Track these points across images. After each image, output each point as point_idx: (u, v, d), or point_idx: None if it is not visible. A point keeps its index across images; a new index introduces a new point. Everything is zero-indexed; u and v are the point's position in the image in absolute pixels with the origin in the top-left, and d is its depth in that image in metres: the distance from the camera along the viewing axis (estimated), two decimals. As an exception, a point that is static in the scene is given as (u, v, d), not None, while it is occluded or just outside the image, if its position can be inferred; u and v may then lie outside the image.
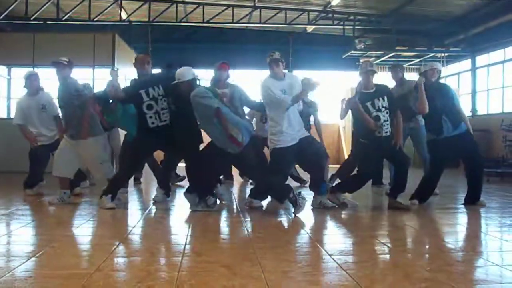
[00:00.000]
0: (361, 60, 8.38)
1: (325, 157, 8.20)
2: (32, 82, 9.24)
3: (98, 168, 8.07)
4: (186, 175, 8.37)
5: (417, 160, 10.29)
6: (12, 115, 16.59)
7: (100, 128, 8.17)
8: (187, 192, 7.64)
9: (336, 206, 7.91)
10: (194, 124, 7.53)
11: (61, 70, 8.04)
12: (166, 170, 8.89)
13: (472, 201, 8.23)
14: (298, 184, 10.95)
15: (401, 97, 8.85)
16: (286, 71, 7.90)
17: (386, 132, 7.83)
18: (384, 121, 7.80)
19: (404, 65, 19.67)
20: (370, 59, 8.26)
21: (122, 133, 10.79)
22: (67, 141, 8.01)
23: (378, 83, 8.11)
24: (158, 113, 7.51)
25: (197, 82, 7.34)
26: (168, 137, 7.56)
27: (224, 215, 7.37)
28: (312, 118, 10.56)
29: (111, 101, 7.67)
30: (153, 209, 7.86)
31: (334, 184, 8.70)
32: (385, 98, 7.85)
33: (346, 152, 19.47)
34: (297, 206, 7.12)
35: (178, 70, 7.39)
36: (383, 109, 7.81)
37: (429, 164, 8.54)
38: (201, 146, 7.78)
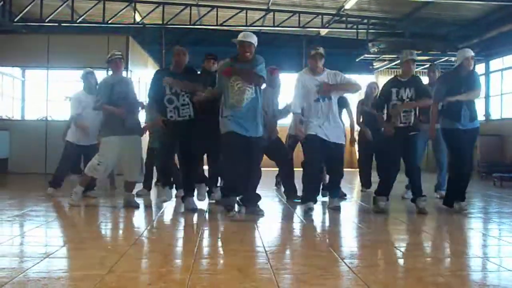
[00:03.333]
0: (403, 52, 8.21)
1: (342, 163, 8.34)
2: (89, 80, 9.25)
3: (136, 167, 8.06)
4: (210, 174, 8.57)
5: (430, 164, 10.20)
6: (27, 117, 16.79)
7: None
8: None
9: (339, 206, 7.99)
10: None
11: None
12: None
13: (451, 202, 8.08)
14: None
15: None
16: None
17: (405, 122, 7.85)
18: (405, 111, 7.83)
19: (417, 69, 19.67)
20: (410, 50, 8.09)
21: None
22: (118, 143, 7.88)
23: (415, 74, 8.20)
24: (177, 108, 7.55)
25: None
26: (186, 132, 7.58)
27: (236, 217, 7.36)
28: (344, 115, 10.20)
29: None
30: (165, 211, 7.87)
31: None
32: (412, 89, 7.84)
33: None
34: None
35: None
36: (407, 100, 7.83)
37: (451, 156, 8.38)
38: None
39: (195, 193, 8.14)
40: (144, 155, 9.77)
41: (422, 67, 20.80)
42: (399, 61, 8.39)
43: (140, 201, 8.56)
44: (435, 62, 17.07)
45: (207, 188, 8.54)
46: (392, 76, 8.30)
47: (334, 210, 7.89)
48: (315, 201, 7.82)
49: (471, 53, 7.95)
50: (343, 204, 8.90)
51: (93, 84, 9.14)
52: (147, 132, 9.40)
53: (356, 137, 10.86)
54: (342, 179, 8.03)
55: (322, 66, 7.82)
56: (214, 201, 8.45)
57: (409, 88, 7.85)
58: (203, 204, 8.27)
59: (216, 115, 7.33)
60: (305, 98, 7.68)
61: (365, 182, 10.77)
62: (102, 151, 7.97)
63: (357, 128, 10.55)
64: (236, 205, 7.34)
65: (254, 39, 7.18)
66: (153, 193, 9.66)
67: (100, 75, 14.67)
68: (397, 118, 7.85)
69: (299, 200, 8.24)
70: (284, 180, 9.38)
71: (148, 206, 8.23)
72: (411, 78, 7.99)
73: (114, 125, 7.89)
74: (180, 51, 7.72)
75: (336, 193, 8.18)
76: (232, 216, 7.06)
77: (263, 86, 7.38)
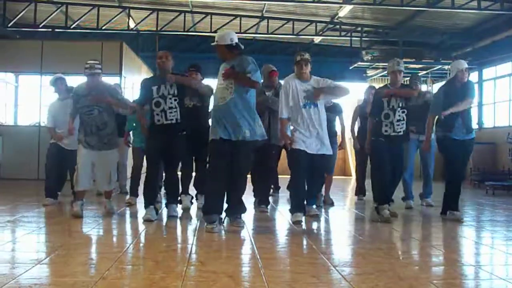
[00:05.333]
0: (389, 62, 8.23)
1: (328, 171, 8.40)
2: (59, 86, 9.17)
3: (108, 179, 7.97)
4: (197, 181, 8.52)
5: (416, 173, 10.25)
6: (19, 122, 16.75)
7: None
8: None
9: (318, 214, 7.81)
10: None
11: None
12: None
13: (444, 211, 8.05)
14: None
15: (416, 108, 8.61)
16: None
17: (399, 131, 7.83)
18: (398, 120, 7.81)
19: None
20: (397, 59, 8.03)
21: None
22: (87, 152, 7.78)
23: (404, 84, 8.16)
24: (164, 112, 7.47)
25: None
26: (172, 136, 7.53)
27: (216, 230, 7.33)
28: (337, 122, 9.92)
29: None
30: (158, 218, 7.84)
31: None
32: (403, 99, 7.84)
33: (352, 163, 19.43)
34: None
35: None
36: (399, 109, 7.81)
37: (447, 165, 8.38)
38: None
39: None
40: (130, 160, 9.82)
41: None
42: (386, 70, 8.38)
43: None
44: (418, 73, 17.10)
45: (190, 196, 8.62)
46: (384, 84, 8.30)
47: (312, 218, 7.75)
48: (304, 212, 7.52)
49: (465, 65, 7.92)
50: (334, 211, 8.92)
51: (63, 89, 9.08)
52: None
53: (352, 144, 10.86)
54: (319, 191, 7.96)
55: (309, 73, 7.58)
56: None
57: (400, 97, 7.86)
58: (194, 212, 8.28)
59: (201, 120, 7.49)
60: (292, 104, 7.47)
61: (360, 189, 10.65)
62: (77, 159, 7.94)
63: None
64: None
65: (226, 40, 6.93)
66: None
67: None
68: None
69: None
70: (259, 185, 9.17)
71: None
72: (401, 87, 8.00)
73: (80, 137, 7.82)
74: (162, 55, 7.63)
75: (312, 202, 8.05)
76: (212, 228, 6.64)
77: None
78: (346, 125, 10.03)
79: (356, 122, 10.68)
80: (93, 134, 7.72)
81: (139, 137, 9.32)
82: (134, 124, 9.15)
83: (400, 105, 7.85)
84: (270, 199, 9.22)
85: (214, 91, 7.10)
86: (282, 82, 8.01)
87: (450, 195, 8.05)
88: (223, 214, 6.98)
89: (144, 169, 9.44)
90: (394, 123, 7.83)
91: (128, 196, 9.46)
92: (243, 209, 7.12)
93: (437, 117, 8.13)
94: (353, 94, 9.30)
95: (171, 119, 7.49)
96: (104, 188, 8.07)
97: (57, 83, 9.16)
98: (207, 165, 7.20)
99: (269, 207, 8.80)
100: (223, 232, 6.73)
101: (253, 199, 8.85)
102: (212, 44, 7.03)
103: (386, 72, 20.39)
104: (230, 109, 6.74)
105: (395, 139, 7.86)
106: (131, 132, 9.54)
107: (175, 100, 7.50)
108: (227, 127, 6.72)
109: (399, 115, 7.83)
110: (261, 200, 8.77)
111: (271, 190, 10.02)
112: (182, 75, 7.92)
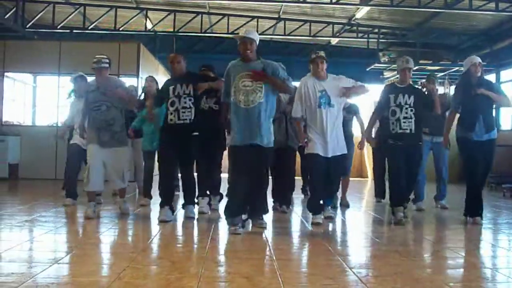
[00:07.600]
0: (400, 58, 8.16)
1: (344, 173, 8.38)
2: (79, 83, 9.21)
3: (121, 177, 7.93)
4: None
5: (430, 174, 10.10)
6: (37, 123, 16.85)
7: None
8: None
9: (333, 216, 7.73)
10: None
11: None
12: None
13: (471, 214, 7.84)
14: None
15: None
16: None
17: (405, 129, 7.68)
18: (405, 117, 7.68)
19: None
20: (406, 57, 7.96)
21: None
22: (98, 150, 7.72)
23: (412, 84, 8.18)
24: (177, 111, 7.45)
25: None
26: (184, 136, 7.51)
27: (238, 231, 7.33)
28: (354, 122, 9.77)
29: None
30: (174, 218, 7.87)
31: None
32: (412, 96, 7.71)
33: (369, 165, 19.38)
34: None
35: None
36: (406, 105, 7.68)
37: (464, 167, 8.28)
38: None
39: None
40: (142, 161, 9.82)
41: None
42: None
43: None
44: (435, 73, 17.00)
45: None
46: (391, 82, 8.26)
47: (326, 220, 7.65)
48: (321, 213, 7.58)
49: (478, 59, 7.87)
50: (350, 213, 8.89)
51: (83, 88, 9.12)
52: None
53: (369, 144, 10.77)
54: (337, 190, 8.04)
55: (325, 71, 7.47)
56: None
57: (408, 95, 7.72)
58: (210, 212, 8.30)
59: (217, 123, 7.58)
60: (307, 104, 7.40)
61: (379, 192, 10.57)
62: (88, 159, 7.86)
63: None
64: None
65: (255, 36, 6.87)
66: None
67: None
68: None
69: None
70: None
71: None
72: (410, 86, 7.92)
73: (91, 134, 7.79)
74: (173, 59, 7.64)
75: (329, 202, 7.96)
76: (235, 229, 6.62)
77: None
78: (365, 123, 9.89)
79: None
80: (106, 130, 7.69)
81: (147, 140, 9.35)
82: (143, 126, 9.21)
83: (408, 102, 7.71)
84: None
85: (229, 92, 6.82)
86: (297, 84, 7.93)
87: (470, 200, 7.89)
88: (245, 216, 6.90)
89: (156, 171, 9.50)
90: (400, 120, 7.69)
91: (141, 197, 9.51)
92: (266, 210, 7.11)
93: (458, 115, 8.06)
94: (370, 96, 9.29)
95: (184, 119, 7.46)
96: (118, 186, 8.00)
97: (77, 80, 9.24)
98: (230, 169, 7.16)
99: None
100: (244, 233, 6.69)
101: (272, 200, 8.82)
102: (240, 36, 6.82)
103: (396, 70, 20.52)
104: (257, 113, 6.64)
105: (401, 138, 7.70)
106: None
107: (189, 100, 7.49)
108: (248, 132, 6.62)
109: (406, 113, 7.69)
110: (283, 201, 8.76)
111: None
112: (196, 74, 7.93)
